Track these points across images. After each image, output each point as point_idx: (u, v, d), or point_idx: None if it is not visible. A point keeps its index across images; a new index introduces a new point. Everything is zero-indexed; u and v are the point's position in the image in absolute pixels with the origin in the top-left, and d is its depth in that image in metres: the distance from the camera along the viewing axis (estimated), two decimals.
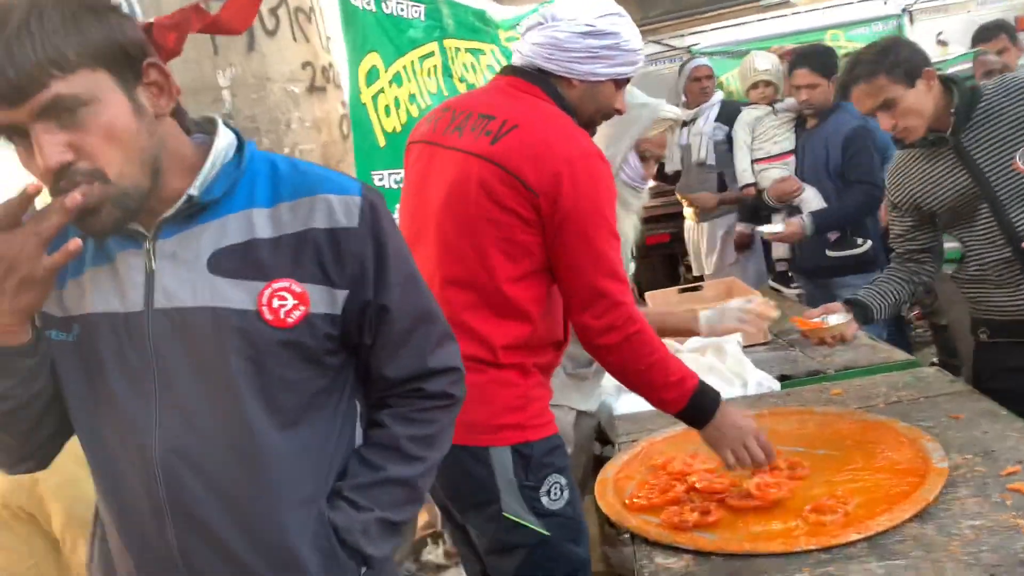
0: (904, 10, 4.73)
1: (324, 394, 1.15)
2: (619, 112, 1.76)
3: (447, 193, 1.61)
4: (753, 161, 3.99)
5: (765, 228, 3.50)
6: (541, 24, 1.65)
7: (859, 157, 3.41)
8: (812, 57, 3.57)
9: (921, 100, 1.97)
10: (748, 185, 3.96)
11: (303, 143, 4.76)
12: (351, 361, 1.19)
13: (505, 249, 1.56)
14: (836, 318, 2.16)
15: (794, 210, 3.59)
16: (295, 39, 4.82)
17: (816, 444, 1.90)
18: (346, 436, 1.19)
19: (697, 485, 1.74)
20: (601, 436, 2.65)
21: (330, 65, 5.12)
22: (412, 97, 3.59)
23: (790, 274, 4.00)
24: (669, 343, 2.66)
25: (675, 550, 1.56)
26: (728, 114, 4.31)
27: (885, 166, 3.15)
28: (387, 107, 3.45)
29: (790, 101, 3.84)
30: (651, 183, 4.72)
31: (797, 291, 3.34)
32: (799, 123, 3.78)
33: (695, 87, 4.37)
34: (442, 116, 1.71)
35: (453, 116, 1.68)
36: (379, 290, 1.13)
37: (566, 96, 1.66)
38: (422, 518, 3.60)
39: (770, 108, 3.95)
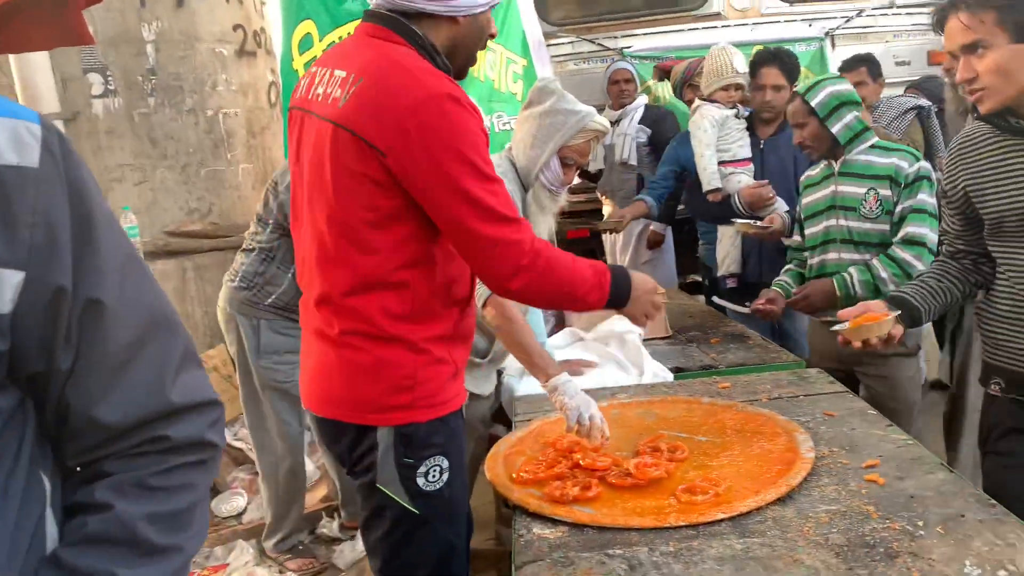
0: (827, 34, 4.94)
1: None
2: (492, 36, 1.65)
3: (310, 168, 1.54)
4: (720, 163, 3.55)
5: (741, 222, 3.14)
6: None
7: None
8: (782, 58, 3.40)
9: (1019, 62, 1.60)
10: (715, 190, 3.47)
11: (227, 107, 4.67)
12: (27, 404, 0.76)
13: (368, 219, 1.48)
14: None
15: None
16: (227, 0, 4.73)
17: (699, 431, 1.99)
18: (23, 534, 0.74)
19: (581, 462, 1.81)
20: (503, 420, 2.70)
21: (262, 30, 5.03)
22: None
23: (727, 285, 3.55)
24: (573, 332, 2.74)
25: (553, 522, 1.62)
26: (652, 117, 4.43)
27: None
28: None
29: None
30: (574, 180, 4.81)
31: (746, 309, 2.97)
32: (749, 130, 3.55)
33: (614, 89, 4.46)
34: (309, 77, 1.61)
35: (318, 76, 1.58)
36: (82, 274, 0.73)
37: (447, 37, 1.55)
38: (319, 492, 3.59)
39: (735, 110, 3.58)
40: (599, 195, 4.71)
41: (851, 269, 2.58)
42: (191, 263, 4.22)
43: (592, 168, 4.62)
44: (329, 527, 3.38)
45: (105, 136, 4.29)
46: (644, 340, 2.72)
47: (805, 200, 2.76)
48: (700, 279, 4.59)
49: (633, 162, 4.41)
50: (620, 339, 2.66)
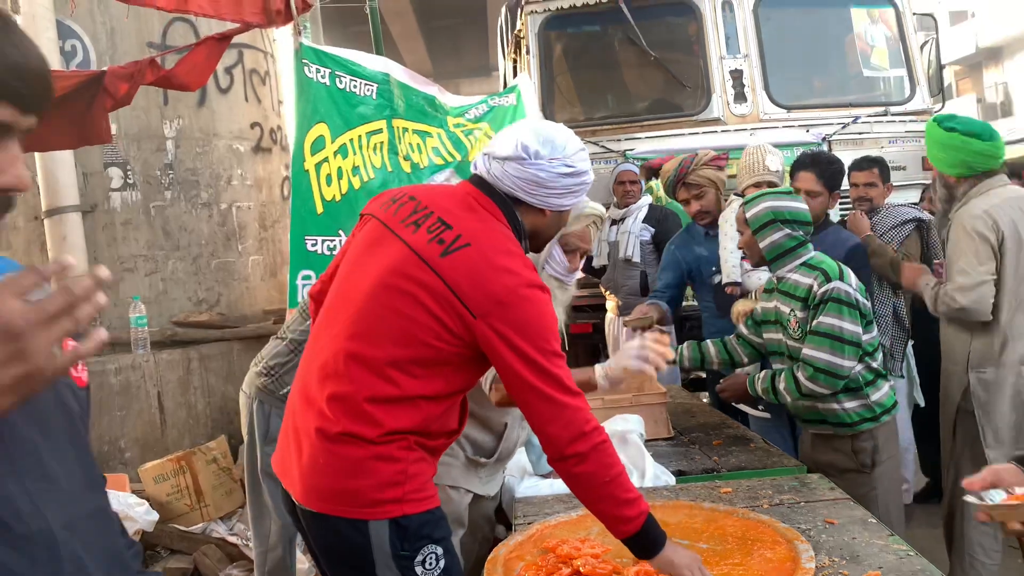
0: (824, 139, 5.11)
1: None
2: (562, 227, 1.94)
3: (382, 280, 1.66)
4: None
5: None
6: (523, 159, 1.73)
7: (861, 273, 2.91)
8: (820, 164, 3.36)
9: None
10: (734, 284, 3.38)
11: (241, 200, 4.82)
12: None
13: (418, 349, 1.62)
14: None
15: None
16: (247, 99, 4.95)
17: (701, 538, 1.98)
18: None
19: (582, 569, 1.80)
20: (505, 519, 2.68)
21: (278, 128, 5.24)
22: (356, 169, 3.69)
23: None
24: None
25: None
26: (655, 217, 4.55)
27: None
28: (328, 176, 3.54)
29: None
30: (579, 274, 4.89)
31: (764, 414, 2.93)
32: None
33: (620, 189, 4.62)
34: (406, 204, 1.77)
35: (416, 208, 1.74)
36: None
37: (533, 222, 1.79)
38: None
39: None
40: (603, 290, 4.78)
41: (761, 373, 2.69)
42: (196, 353, 4.27)
43: (596, 264, 4.71)
44: None
45: (121, 228, 4.41)
46: (646, 441, 2.72)
47: (761, 305, 2.82)
48: (703, 375, 4.60)
49: (636, 259, 4.51)
50: (622, 439, 2.66)
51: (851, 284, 2.55)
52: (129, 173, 4.42)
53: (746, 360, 2.90)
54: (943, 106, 5.69)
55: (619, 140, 5.09)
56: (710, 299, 3.64)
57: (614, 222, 4.63)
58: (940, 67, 5.74)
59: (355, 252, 1.79)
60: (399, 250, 1.68)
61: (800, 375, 2.54)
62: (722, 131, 5.05)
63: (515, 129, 1.81)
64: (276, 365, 3.00)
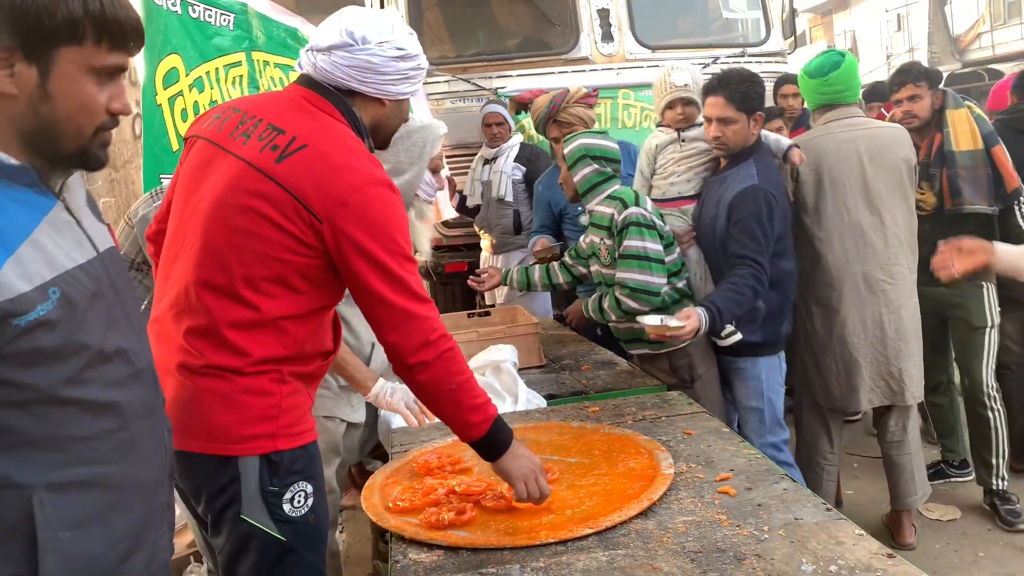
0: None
1: None
2: (406, 121, 1.84)
3: (219, 200, 1.57)
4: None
5: (649, 320, 2.58)
6: (350, 45, 1.62)
7: (744, 225, 2.72)
8: (728, 86, 2.81)
9: None
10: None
11: None
12: None
13: (271, 266, 1.54)
14: None
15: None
16: None
17: (570, 453, 2.08)
18: None
19: (457, 488, 1.86)
20: (382, 454, 2.71)
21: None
22: (213, 103, 3.50)
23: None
24: None
25: (429, 546, 1.66)
26: (526, 156, 4.59)
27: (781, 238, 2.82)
28: (184, 111, 3.35)
29: (699, 130, 3.05)
30: (454, 214, 4.88)
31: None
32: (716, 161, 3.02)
33: (488, 132, 4.62)
34: (231, 116, 1.66)
35: (242, 120, 1.63)
36: None
37: (372, 115, 1.68)
38: (186, 537, 3.45)
39: (676, 136, 3.08)
40: (477, 230, 4.81)
41: (592, 297, 2.93)
42: None
43: (470, 204, 4.72)
44: (197, 572, 3.24)
45: None
46: (519, 369, 2.80)
47: (587, 239, 3.00)
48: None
49: (509, 199, 4.55)
50: (495, 368, 2.73)
51: (647, 207, 2.77)
52: None
53: (564, 284, 3.19)
54: (795, 49, 6.00)
55: (490, 78, 5.06)
56: (577, 238, 3.71)
57: (486, 161, 4.65)
58: (793, 12, 6.03)
59: (185, 178, 1.67)
60: (232, 165, 1.57)
61: (619, 294, 2.74)
62: (590, 70, 5.13)
63: (336, 17, 1.67)
64: None
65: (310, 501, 1.62)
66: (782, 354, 3.02)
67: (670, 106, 3.06)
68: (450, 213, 4.72)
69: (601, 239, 2.82)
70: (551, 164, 4.61)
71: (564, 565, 1.54)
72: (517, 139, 4.67)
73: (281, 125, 1.59)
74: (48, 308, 1.06)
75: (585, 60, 5.15)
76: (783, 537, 1.57)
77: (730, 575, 1.45)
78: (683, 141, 3.09)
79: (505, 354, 2.79)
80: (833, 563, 1.46)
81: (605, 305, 2.81)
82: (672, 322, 2.53)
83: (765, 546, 1.54)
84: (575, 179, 2.86)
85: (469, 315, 3.48)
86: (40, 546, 1.08)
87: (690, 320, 2.51)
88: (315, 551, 1.64)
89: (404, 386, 2.08)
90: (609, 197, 2.80)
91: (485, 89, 5.02)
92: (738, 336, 2.82)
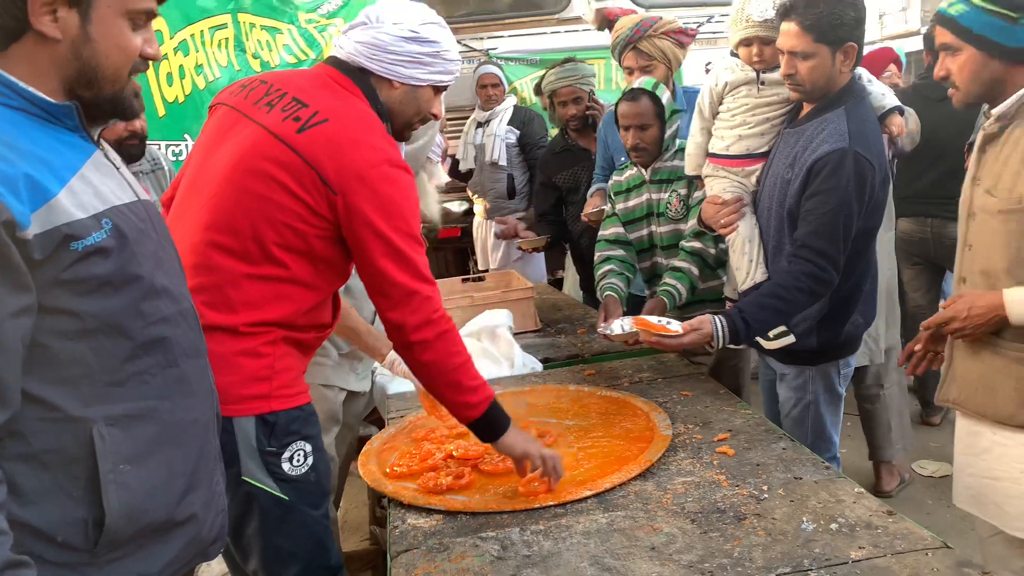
0: None
1: None
2: (436, 117, 1.81)
3: (236, 163, 1.58)
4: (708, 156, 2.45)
5: (615, 328, 2.24)
6: (365, 24, 1.66)
7: (821, 202, 2.07)
8: (808, 6, 2.06)
9: None
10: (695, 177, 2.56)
11: None
12: None
13: (281, 232, 1.56)
14: None
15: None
16: None
17: (567, 416, 2.08)
18: None
19: (454, 452, 1.85)
20: (378, 420, 2.70)
21: None
22: (199, 68, 3.44)
23: None
24: None
25: (428, 511, 1.66)
26: (520, 119, 4.52)
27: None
28: (169, 75, 3.29)
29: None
30: (447, 179, 4.83)
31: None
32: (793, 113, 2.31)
33: (483, 93, 4.55)
34: (257, 87, 1.69)
35: (268, 91, 1.66)
36: None
37: (385, 98, 1.70)
38: None
39: (754, 76, 2.34)
40: (470, 194, 4.76)
41: (670, 283, 2.59)
42: None
43: (463, 168, 4.67)
44: (208, 571, 3.25)
45: None
46: (515, 333, 2.79)
47: (622, 206, 2.80)
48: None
49: (503, 162, 4.49)
50: (491, 333, 2.72)
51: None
52: None
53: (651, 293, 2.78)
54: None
55: (481, 39, 4.98)
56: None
57: (479, 125, 4.58)
58: None
59: (206, 141, 1.69)
60: (253, 131, 1.59)
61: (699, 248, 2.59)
62: (583, 30, 5.04)
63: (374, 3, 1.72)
64: None
65: (310, 459, 1.63)
66: (849, 359, 2.31)
67: (745, 42, 2.32)
68: (443, 178, 4.67)
69: (672, 192, 2.67)
70: (546, 129, 4.55)
71: (564, 528, 1.54)
72: (510, 102, 4.60)
73: (305, 99, 1.62)
74: (102, 236, 1.09)
75: (578, 20, 5.06)
76: (783, 496, 1.57)
77: (731, 535, 1.45)
78: (763, 84, 2.32)
79: (500, 319, 2.77)
80: (833, 521, 1.46)
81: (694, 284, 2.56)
82: (674, 325, 2.09)
83: (765, 505, 1.54)
84: (668, 131, 2.65)
85: (464, 280, 3.45)
86: (102, 478, 1.10)
87: (698, 332, 2.05)
88: (319, 507, 1.66)
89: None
90: (680, 150, 2.65)
91: (476, 51, 4.94)
92: (790, 339, 2.21)
